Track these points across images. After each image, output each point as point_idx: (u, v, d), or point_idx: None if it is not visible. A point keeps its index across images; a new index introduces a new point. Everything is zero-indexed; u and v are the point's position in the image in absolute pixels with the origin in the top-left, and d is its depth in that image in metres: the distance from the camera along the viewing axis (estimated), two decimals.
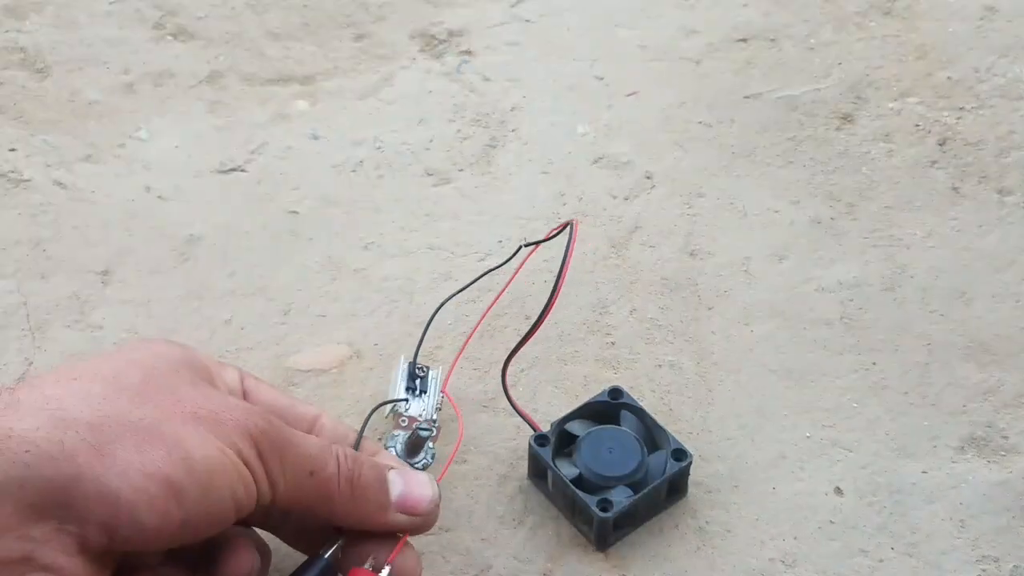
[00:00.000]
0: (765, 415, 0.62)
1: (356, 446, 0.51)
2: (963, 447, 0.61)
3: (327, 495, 0.46)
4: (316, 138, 0.79)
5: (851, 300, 0.68)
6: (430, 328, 0.63)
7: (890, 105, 0.80)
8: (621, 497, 0.55)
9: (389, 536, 0.48)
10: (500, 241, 0.71)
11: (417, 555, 0.49)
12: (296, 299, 0.68)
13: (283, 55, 0.86)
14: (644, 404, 0.61)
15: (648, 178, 0.76)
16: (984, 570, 0.55)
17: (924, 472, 0.59)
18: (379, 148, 0.78)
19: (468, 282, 0.64)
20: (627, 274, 0.70)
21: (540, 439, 0.57)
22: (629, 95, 0.82)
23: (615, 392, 0.59)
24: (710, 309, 0.68)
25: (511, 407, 0.59)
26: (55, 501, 0.38)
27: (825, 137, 0.78)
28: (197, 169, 0.77)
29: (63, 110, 0.81)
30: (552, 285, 0.55)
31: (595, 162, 0.77)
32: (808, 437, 0.61)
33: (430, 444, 0.56)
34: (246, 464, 0.42)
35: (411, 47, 0.86)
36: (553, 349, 0.65)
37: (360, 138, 0.79)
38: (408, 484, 0.49)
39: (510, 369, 0.59)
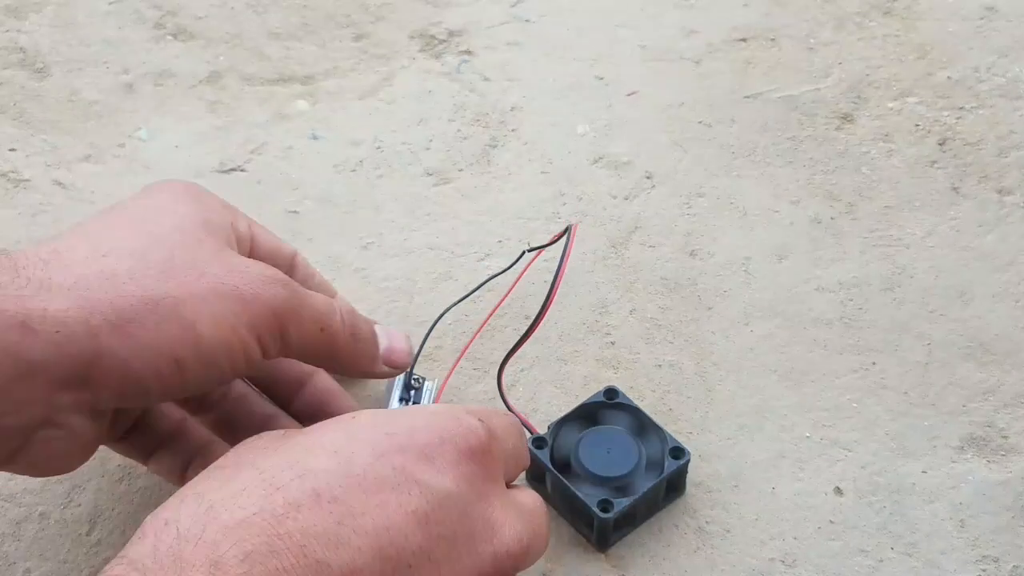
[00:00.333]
0: (765, 415, 0.62)
1: None
2: (963, 447, 0.61)
3: (333, 348, 0.51)
4: (316, 138, 0.79)
5: (851, 300, 0.68)
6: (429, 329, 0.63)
7: (890, 105, 0.80)
8: (621, 497, 0.55)
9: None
10: (500, 241, 0.71)
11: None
12: None
13: (283, 55, 0.86)
14: (644, 404, 0.61)
15: (648, 178, 0.76)
16: (984, 570, 0.55)
17: (924, 472, 0.59)
18: (379, 148, 0.78)
19: (471, 290, 0.64)
20: (627, 274, 0.70)
21: (538, 441, 0.57)
22: (629, 95, 0.82)
23: (611, 392, 0.59)
24: (710, 309, 0.68)
25: (509, 409, 0.59)
26: (78, 376, 0.42)
27: (825, 137, 0.78)
28: (197, 169, 0.77)
29: (63, 110, 0.81)
30: (549, 287, 0.55)
31: (595, 162, 0.77)
32: (808, 437, 0.61)
33: None
34: (259, 340, 0.46)
35: (411, 47, 0.86)
36: (553, 349, 0.65)
37: (360, 138, 0.79)
38: (391, 338, 0.57)
39: (509, 369, 0.59)
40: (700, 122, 0.80)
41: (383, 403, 0.60)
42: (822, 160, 0.77)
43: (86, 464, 0.48)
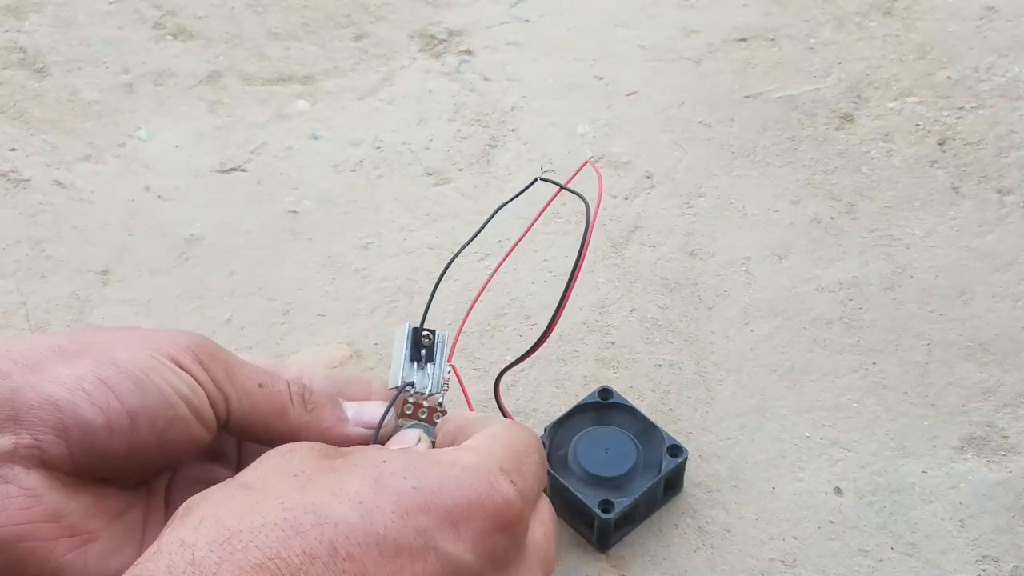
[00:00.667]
0: (765, 415, 0.62)
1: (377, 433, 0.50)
2: (963, 447, 0.61)
3: (281, 407, 0.47)
4: (316, 138, 0.79)
5: (851, 300, 0.68)
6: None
7: (890, 105, 0.80)
8: (621, 497, 0.55)
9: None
10: (500, 241, 0.71)
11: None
12: (296, 299, 0.68)
13: (283, 55, 0.86)
14: (644, 404, 0.61)
15: (648, 178, 0.76)
16: (984, 570, 0.55)
17: (924, 472, 0.59)
18: (379, 148, 0.78)
19: (480, 225, 0.57)
20: (627, 274, 0.70)
21: None
22: (629, 95, 0.82)
23: (605, 392, 0.59)
24: (710, 309, 0.68)
25: (512, 410, 0.58)
26: (3, 414, 0.40)
27: (825, 137, 0.78)
28: (197, 169, 0.77)
29: (63, 110, 0.81)
30: (560, 292, 0.53)
31: (595, 162, 0.77)
32: (808, 437, 0.61)
33: (433, 430, 0.53)
34: (184, 368, 0.44)
35: (411, 47, 0.86)
36: (553, 349, 0.65)
37: (360, 138, 0.79)
38: (362, 403, 0.50)
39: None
40: (700, 122, 0.80)
41: (392, 371, 0.57)
42: (822, 160, 0.77)
43: None
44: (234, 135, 0.79)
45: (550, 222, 0.73)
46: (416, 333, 0.52)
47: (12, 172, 0.76)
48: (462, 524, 0.39)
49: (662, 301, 0.68)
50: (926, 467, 0.60)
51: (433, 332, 0.52)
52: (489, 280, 0.59)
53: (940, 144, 0.77)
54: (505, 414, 0.58)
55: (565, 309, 0.53)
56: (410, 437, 0.49)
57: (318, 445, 0.42)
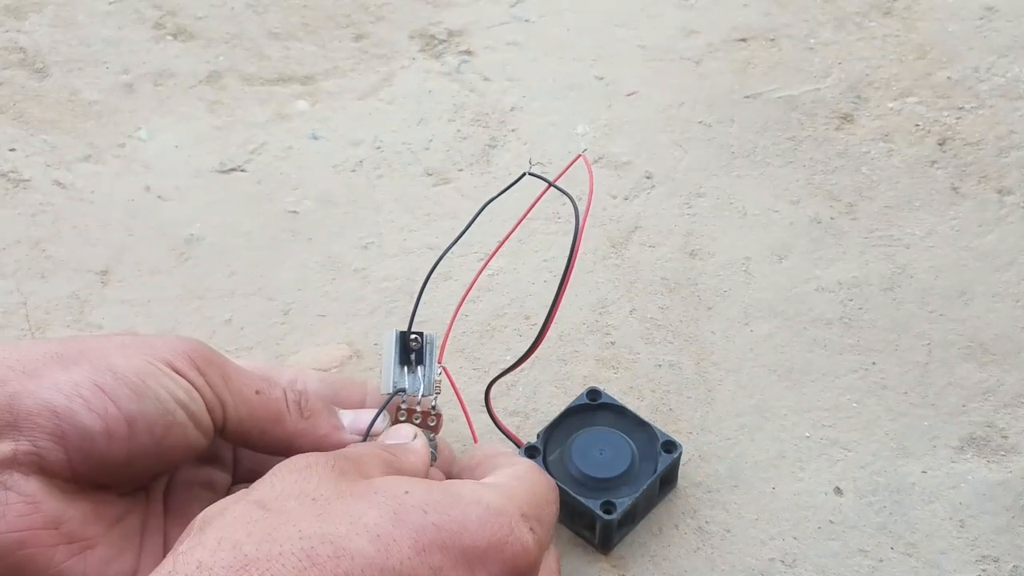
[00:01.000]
0: (765, 415, 0.62)
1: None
2: (963, 447, 0.61)
3: (277, 414, 0.47)
4: (316, 138, 0.79)
5: (851, 300, 0.68)
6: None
7: (890, 105, 0.80)
8: (620, 497, 0.55)
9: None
10: (500, 241, 0.71)
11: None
12: (296, 299, 0.68)
13: (283, 55, 0.86)
14: (644, 404, 0.61)
15: (648, 178, 0.76)
16: (984, 570, 0.55)
17: (924, 472, 0.59)
18: (379, 148, 0.78)
19: (468, 222, 0.57)
20: (627, 274, 0.70)
21: (530, 451, 0.57)
22: (629, 95, 0.82)
23: (593, 393, 0.59)
24: (710, 309, 0.68)
25: (497, 426, 0.58)
26: (2, 421, 0.40)
27: (825, 137, 0.78)
28: (197, 169, 0.77)
29: (63, 110, 0.81)
30: (555, 292, 0.53)
31: (595, 162, 0.77)
32: (808, 437, 0.61)
33: (432, 438, 0.52)
34: (181, 374, 0.44)
35: (411, 47, 0.86)
36: (553, 349, 0.65)
37: (360, 138, 0.79)
38: (357, 412, 0.50)
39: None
40: (700, 122, 0.80)
41: (383, 379, 0.57)
42: (822, 160, 0.77)
43: None
44: (234, 135, 0.79)
45: (550, 222, 0.73)
46: (404, 337, 0.52)
47: (12, 172, 0.76)
48: (478, 567, 0.39)
49: (662, 301, 0.68)
50: (926, 467, 0.60)
51: (421, 335, 0.52)
52: (476, 278, 0.59)
53: (940, 144, 0.77)
54: (497, 424, 0.57)
55: (558, 313, 0.53)
56: (405, 432, 0.49)
57: (334, 460, 0.41)
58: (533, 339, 0.54)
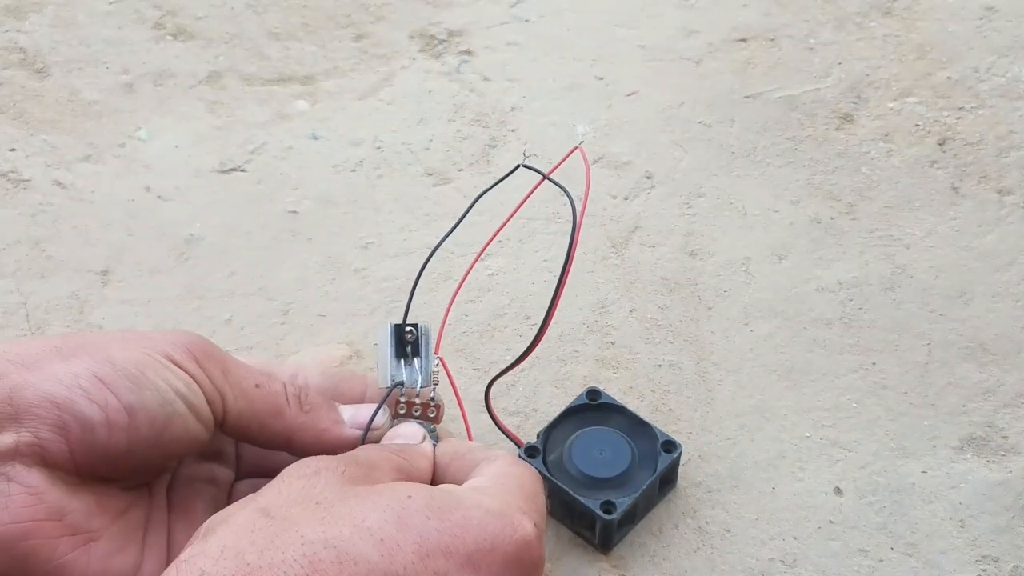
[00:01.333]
0: (765, 415, 0.62)
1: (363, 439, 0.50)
2: (963, 447, 0.61)
3: (277, 407, 0.47)
4: (316, 138, 0.79)
5: (851, 300, 0.68)
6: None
7: (890, 105, 0.80)
8: (620, 497, 0.55)
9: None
10: (500, 241, 0.71)
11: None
12: (296, 299, 0.68)
13: (283, 55, 0.86)
14: (644, 404, 0.61)
15: (648, 178, 0.76)
16: (984, 570, 0.55)
17: (924, 472, 0.59)
18: (379, 148, 0.78)
19: (461, 215, 0.55)
20: (627, 274, 0.70)
21: (530, 451, 0.57)
22: (629, 95, 0.82)
23: (593, 393, 0.59)
24: (710, 309, 0.68)
25: (497, 425, 0.57)
26: (3, 413, 0.40)
27: (825, 137, 0.78)
28: (197, 169, 0.77)
29: (63, 110, 0.81)
30: (552, 293, 0.53)
31: (595, 162, 0.77)
32: (808, 437, 0.61)
33: (432, 428, 0.51)
34: (180, 366, 0.44)
35: (411, 47, 0.86)
36: (553, 349, 0.65)
37: (360, 138, 0.79)
38: (357, 406, 0.49)
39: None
40: (700, 122, 0.80)
41: (380, 373, 0.56)
42: (822, 160, 0.77)
43: None
44: (234, 135, 0.79)
45: (550, 222, 0.73)
46: (399, 330, 0.51)
47: (12, 172, 0.76)
48: (482, 567, 0.39)
49: (662, 301, 0.68)
50: (926, 467, 0.60)
51: (416, 326, 0.52)
52: (472, 266, 0.58)
53: (940, 144, 0.77)
54: (497, 424, 0.57)
55: (557, 313, 0.53)
56: (414, 431, 0.49)
57: (343, 466, 0.41)
58: (532, 339, 0.54)
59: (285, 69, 0.85)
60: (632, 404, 0.61)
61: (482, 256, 0.70)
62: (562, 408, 0.60)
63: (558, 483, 0.55)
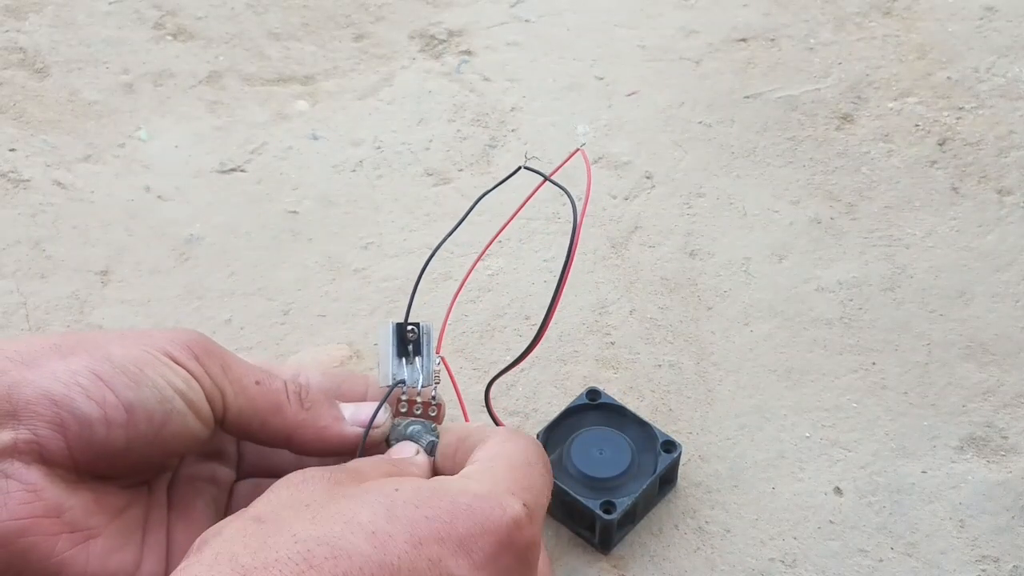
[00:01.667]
0: (765, 415, 0.62)
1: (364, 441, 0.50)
2: (963, 447, 0.61)
3: (277, 404, 0.47)
4: (316, 138, 0.79)
5: (851, 300, 0.68)
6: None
7: (890, 105, 0.80)
8: (620, 497, 0.55)
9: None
10: (500, 241, 0.71)
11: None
12: (296, 299, 0.68)
13: (283, 55, 0.86)
14: (644, 404, 0.61)
15: (648, 178, 0.76)
16: (984, 570, 0.55)
17: (924, 472, 0.59)
18: (379, 148, 0.78)
19: (463, 215, 0.55)
20: (627, 274, 0.70)
21: None
22: (629, 95, 0.82)
23: (593, 393, 0.59)
24: (710, 309, 0.68)
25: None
26: (1, 410, 0.40)
27: (825, 137, 0.78)
28: (197, 169, 0.77)
29: (63, 110, 0.81)
30: (552, 292, 0.53)
31: (595, 162, 0.77)
32: (808, 437, 0.61)
33: (433, 427, 0.51)
34: (179, 363, 0.44)
35: (411, 47, 0.86)
36: (553, 349, 0.65)
37: (360, 138, 0.79)
38: (358, 404, 0.49)
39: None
40: (700, 122, 0.80)
41: (381, 372, 0.56)
42: (822, 160, 0.77)
43: None
44: (234, 135, 0.79)
45: (550, 222, 0.73)
46: (400, 328, 0.51)
47: (12, 172, 0.76)
48: (475, 550, 0.39)
49: (662, 301, 0.68)
50: (926, 467, 0.60)
51: (417, 325, 0.51)
52: (472, 267, 0.58)
53: (940, 144, 0.77)
54: (497, 423, 0.57)
55: (557, 313, 0.53)
56: (407, 450, 0.49)
57: (330, 472, 0.42)
58: (531, 339, 0.54)
59: (285, 69, 0.85)
60: (632, 404, 0.61)
61: (483, 260, 0.70)
62: (562, 408, 0.60)
63: (558, 483, 0.55)
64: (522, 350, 0.55)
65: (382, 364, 0.51)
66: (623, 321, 0.67)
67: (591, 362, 0.65)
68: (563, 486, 0.55)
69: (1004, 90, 0.81)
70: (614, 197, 0.74)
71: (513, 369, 0.55)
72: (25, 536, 0.40)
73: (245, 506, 0.40)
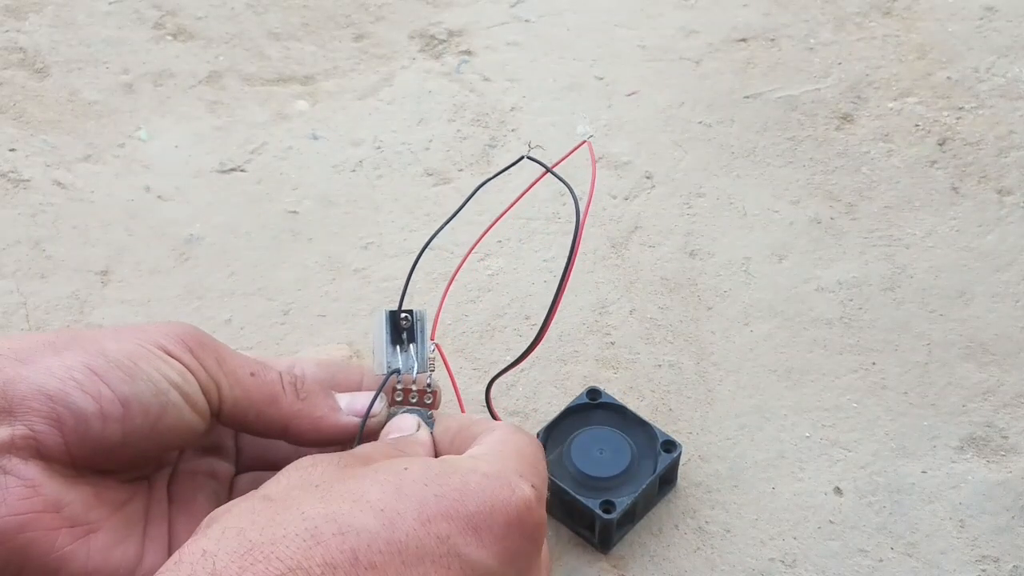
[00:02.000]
0: (765, 415, 0.62)
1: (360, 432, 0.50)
2: (963, 447, 0.61)
3: (272, 395, 0.47)
4: (316, 138, 0.79)
5: (851, 300, 0.68)
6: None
7: (890, 105, 0.80)
8: (620, 496, 0.55)
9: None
10: (500, 241, 0.71)
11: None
12: (296, 299, 0.68)
13: (283, 55, 0.86)
14: (643, 404, 0.61)
15: (648, 178, 0.76)
16: (984, 570, 0.55)
17: (924, 472, 0.59)
18: (379, 148, 0.78)
19: (461, 203, 0.56)
20: (627, 274, 0.70)
21: None
22: (629, 95, 0.82)
23: (593, 393, 0.59)
24: (710, 309, 0.68)
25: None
26: None
27: (825, 137, 0.78)
28: (197, 169, 0.77)
29: (63, 110, 0.81)
30: (554, 292, 0.53)
31: (595, 162, 0.77)
32: (808, 437, 0.61)
33: (429, 415, 0.50)
34: (173, 356, 0.44)
35: (411, 47, 0.86)
36: (553, 349, 0.65)
37: (360, 138, 0.79)
38: (354, 394, 0.49)
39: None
40: (700, 122, 0.80)
41: (376, 360, 0.56)
42: (822, 160, 0.77)
43: None
44: (234, 135, 0.79)
45: (550, 222, 0.73)
46: (394, 316, 0.51)
47: (12, 172, 0.76)
48: (484, 529, 0.39)
49: (662, 301, 0.68)
50: (926, 467, 0.60)
51: (411, 312, 0.51)
52: (465, 258, 0.58)
53: (940, 144, 0.77)
54: (495, 418, 0.57)
55: (557, 312, 0.53)
56: (408, 423, 0.49)
57: (339, 457, 0.41)
58: (532, 338, 0.54)
59: (285, 69, 0.85)
60: (632, 404, 0.61)
61: (482, 257, 0.70)
62: (562, 408, 0.60)
63: (558, 483, 0.55)
64: (522, 350, 0.55)
65: (376, 352, 0.51)
66: (623, 321, 0.67)
67: (591, 362, 0.65)
68: (563, 486, 0.55)
69: (1004, 90, 0.81)
70: (614, 197, 0.74)
71: (513, 369, 0.56)
72: (25, 531, 0.40)
73: None
